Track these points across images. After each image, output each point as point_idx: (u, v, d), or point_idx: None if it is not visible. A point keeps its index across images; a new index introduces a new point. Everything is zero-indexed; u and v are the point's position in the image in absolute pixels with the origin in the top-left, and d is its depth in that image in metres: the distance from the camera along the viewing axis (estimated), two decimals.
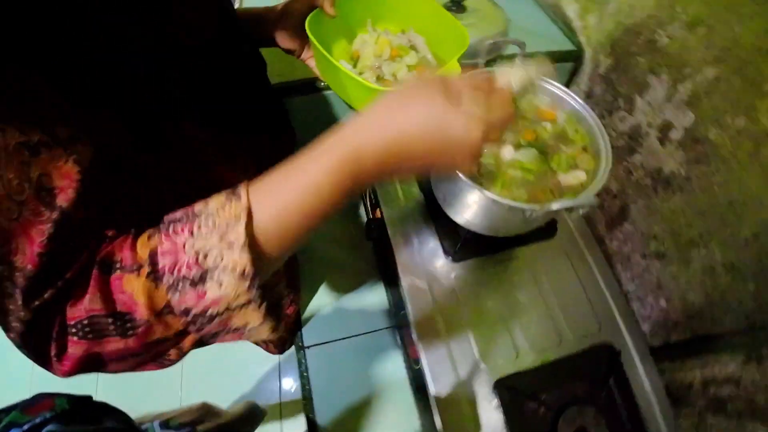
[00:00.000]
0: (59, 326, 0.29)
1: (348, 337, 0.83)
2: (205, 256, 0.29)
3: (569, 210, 0.61)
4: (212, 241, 0.29)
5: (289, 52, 0.64)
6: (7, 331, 0.29)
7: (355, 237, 0.90)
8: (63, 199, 0.28)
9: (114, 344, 0.29)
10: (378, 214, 0.77)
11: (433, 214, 0.76)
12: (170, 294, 0.29)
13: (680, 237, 0.76)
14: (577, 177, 0.64)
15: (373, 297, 0.88)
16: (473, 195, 0.58)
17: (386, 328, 0.85)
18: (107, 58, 0.33)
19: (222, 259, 0.29)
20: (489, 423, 0.63)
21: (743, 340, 0.66)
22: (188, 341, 0.32)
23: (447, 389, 0.64)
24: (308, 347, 0.82)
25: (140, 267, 0.29)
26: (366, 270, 0.89)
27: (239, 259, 0.29)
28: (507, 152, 0.65)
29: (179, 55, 0.41)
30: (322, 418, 0.79)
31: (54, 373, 0.30)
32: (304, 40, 0.62)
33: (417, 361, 0.70)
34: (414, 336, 0.67)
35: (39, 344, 0.29)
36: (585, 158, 0.65)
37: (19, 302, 0.27)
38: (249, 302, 0.30)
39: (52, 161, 0.27)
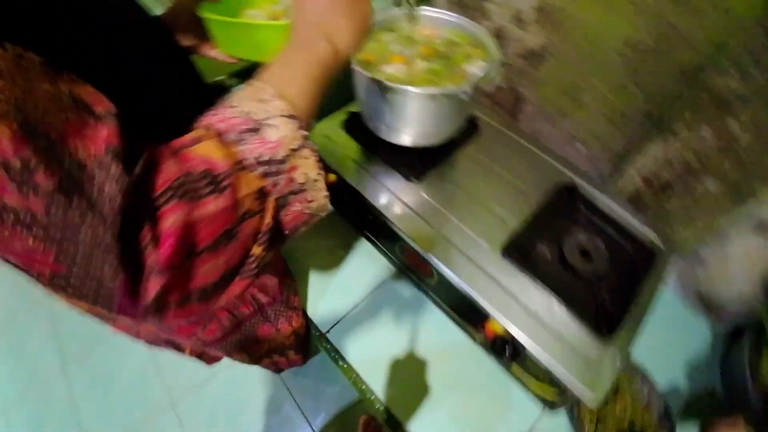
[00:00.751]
0: (146, 207, 0.27)
1: (358, 304, 0.83)
2: (253, 114, 0.33)
3: (484, 84, 0.71)
4: (252, 104, 0.34)
5: (189, 50, 0.66)
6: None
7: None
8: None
9: (210, 205, 0.29)
10: (331, 178, 0.81)
11: (381, 154, 0.82)
12: (239, 146, 0.31)
13: (568, 91, 0.92)
14: (478, 64, 0.75)
15: (362, 259, 0.90)
16: (408, 102, 0.66)
17: (390, 278, 0.87)
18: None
19: (267, 112, 0.33)
20: (517, 287, 0.69)
21: (652, 129, 0.82)
22: (269, 212, 0.33)
23: (468, 274, 0.69)
24: (327, 332, 0.81)
25: (201, 136, 0.31)
26: (342, 242, 0.91)
27: (281, 104, 0.34)
28: (418, 65, 0.74)
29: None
30: (380, 389, 0.78)
31: (151, 275, 0.27)
32: (199, 34, 0.63)
33: (432, 271, 0.74)
34: (419, 250, 0.72)
35: (131, 236, 0.26)
36: (476, 51, 0.77)
37: None
38: (303, 146, 0.34)
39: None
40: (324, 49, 0.39)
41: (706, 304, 0.94)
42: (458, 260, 0.71)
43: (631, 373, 0.81)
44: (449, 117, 0.74)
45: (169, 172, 0.28)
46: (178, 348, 0.74)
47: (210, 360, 0.89)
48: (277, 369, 1.28)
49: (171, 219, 0.27)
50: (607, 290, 0.72)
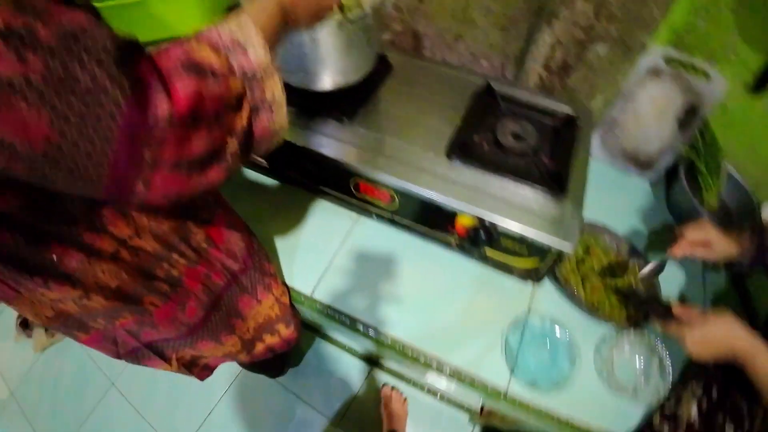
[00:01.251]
0: (153, 70, 0.32)
1: (333, 258, 0.84)
2: (237, 35, 0.40)
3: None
4: (236, 29, 0.40)
5: None
6: None
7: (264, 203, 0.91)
8: None
9: (212, 86, 0.35)
10: None
11: (311, 107, 0.83)
12: (229, 57, 0.38)
13: (457, 14, 0.98)
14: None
15: (323, 216, 0.90)
16: (321, 38, 0.68)
17: (355, 225, 0.88)
18: None
19: (248, 37, 0.40)
20: (469, 179, 0.73)
21: (537, 21, 0.90)
22: (245, 112, 0.39)
23: (425, 182, 0.72)
24: (312, 293, 0.80)
25: (200, 38, 0.38)
26: (300, 207, 0.91)
27: (258, 33, 0.41)
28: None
29: None
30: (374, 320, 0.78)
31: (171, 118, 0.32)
32: None
33: (392, 195, 0.76)
34: (376, 177, 0.74)
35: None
36: None
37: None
38: (274, 73, 0.42)
39: None
40: (278, 7, 0.46)
41: (635, 161, 1.03)
42: (411, 173, 0.74)
43: (595, 231, 0.87)
44: (359, 47, 0.77)
45: (178, 53, 0.34)
46: (162, 356, 0.70)
47: (201, 372, 0.84)
48: (276, 359, 1.23)
49: (184, 83, 0.33)
50: (545, 158, 0.78)
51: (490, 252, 0.76)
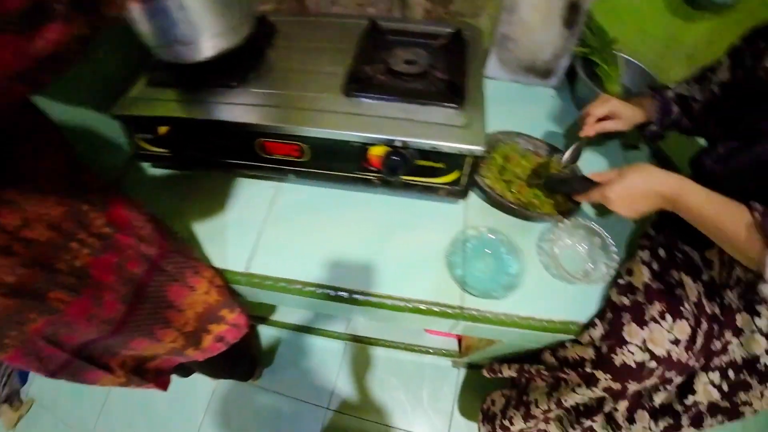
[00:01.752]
0: None
1: (261, 230, 0.80)
2: None
3: None
4: None
5: None
6: None
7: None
8: None
9: None
10: (162, 131, 0.76)
11: (199, 81, 0.78)
12: None
13: None
14: None
15: (240, 193, 0.86)
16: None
17: (275, 194, 0.85)
18: None
19: None
20: (370, 110, 0.72)
21: None
22: None
23: (329, 123, 0.70)
24: (249, 268, 0.76)
25: None
26: (213, 188, 0.87)
27: None
28: None
29: None
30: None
31: None
32: None
33: (300, 148, 0.73)
34: (282, 128, 0.71)
35: None
36: None
37: None
38: None
39: None
40: None
41: (534, 71, 1.06)
42: (315, 118, 0.71)
43: (511, 138, 0.88)
44: (231, 5, 0.73)
45: None
46: (98, 363, 0.64)
47: (157, 379, 0.79)
48: (241, 358, 1.18)
49: None
50: (440, 75, 0.78)
51: (410, 178, 0.75)
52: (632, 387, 0.70)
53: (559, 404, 0.81)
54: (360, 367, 1.34)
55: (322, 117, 0.71)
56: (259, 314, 1.40)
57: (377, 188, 0.79)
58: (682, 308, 0.66)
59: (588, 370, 0.70)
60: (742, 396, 0.66)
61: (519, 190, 0.80)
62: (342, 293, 0.74)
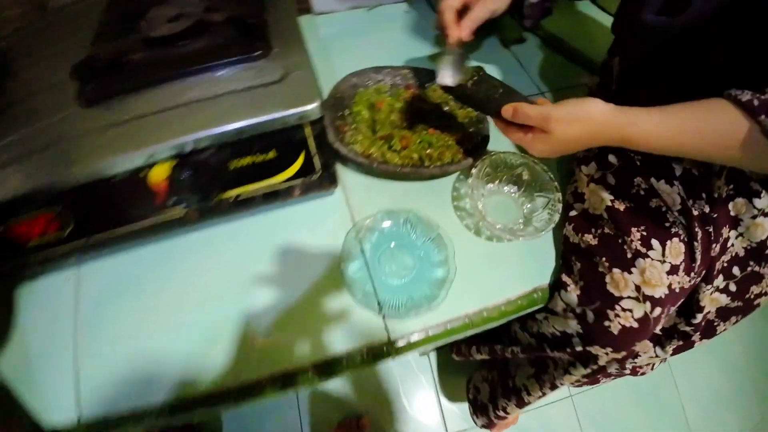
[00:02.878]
0: None
1: (76, 346, 0.48)
2: None
3: None
4: None
5: None
6: None
7: None
8: None
9: None
10: None
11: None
12: None
13: None
14: None
15: (26, 307, 0.53)
16: None
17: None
18: None
19: None
20: (136, 109, 0.41)
21: None
22: None
23: (74, 157, 0.39)
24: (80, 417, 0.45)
25: None
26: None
27: None
28: None
29: None
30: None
31: None
32: None
33: (50, 207, 0.42)
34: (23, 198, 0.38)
35: None
36: None
37: None
38: None
39: None
40: None
41: None
42: (47, 164, 0.40)
43: (364, 80, 0.63)
44: None
45: None
46: None
47: None
48: None
49: None
50: (223, 17, 0.49)
51: (235, 192, 0.47)
52: (641, 345, 0.52)
53: (553, 387, 0.62)
54: (324, 407, 1.09)
55: (58, 156, 0.40)
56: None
57: (197, 225, 0.50)
58: (666, 224, 0.47)
59: (579, 348, 0.50)
60: (755, 289, 0.51)
61: (404, 144, 0.55)
62: (218, 403, 0.46)
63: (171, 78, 0.45)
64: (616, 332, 0.46)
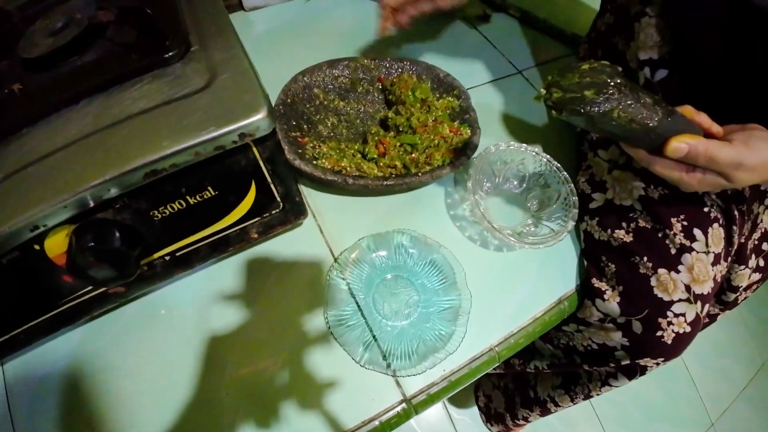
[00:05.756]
0: None
1: None
2: None
3: None
4: None
5: None
6: None
7: None
8: None
9: None
10: None
11: None
12: None
13: None
14: None
15: None
16: None
17: None
18: None
19: None
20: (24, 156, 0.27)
21: None
22: None
23: None
24: None
25: None
26: None
27: None
28: None
29: None
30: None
31: None
32: None
33: None
34: None
35: None
36: None
37: None
38: None
39: None
40: None
41: None
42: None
43: (316, 77, 0.50)
44: None
45: None
46: None
47: None
48: None
49: None
50: (129, 25, 0.35)
51: (167, 249, 0.33)
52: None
53: (588, 398, 0.53)
54: None
55: None
56: None
57: (142, 289, 0.36)
58: (705, 209, 0.38)
59: (625, 362, 0.41)
60: None
61: (381, 151, 0.43)
62: None
63: (55, 108, 0.30)
64: (670, 341, 0.37)
